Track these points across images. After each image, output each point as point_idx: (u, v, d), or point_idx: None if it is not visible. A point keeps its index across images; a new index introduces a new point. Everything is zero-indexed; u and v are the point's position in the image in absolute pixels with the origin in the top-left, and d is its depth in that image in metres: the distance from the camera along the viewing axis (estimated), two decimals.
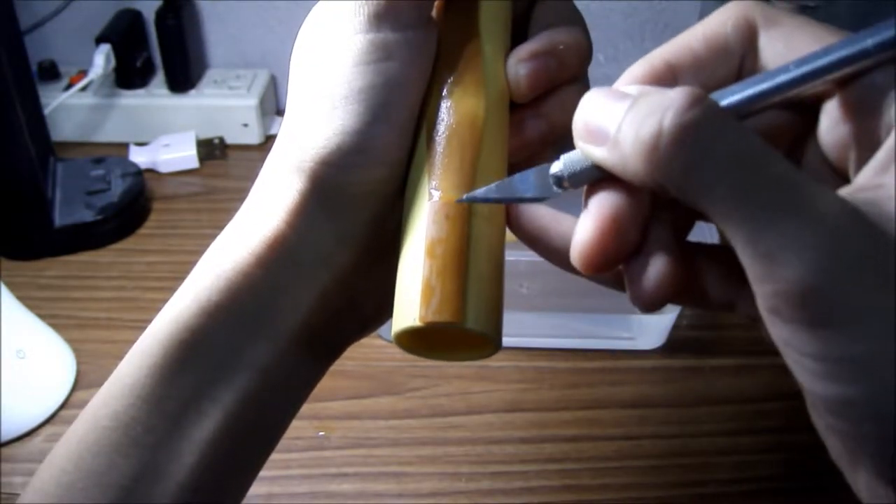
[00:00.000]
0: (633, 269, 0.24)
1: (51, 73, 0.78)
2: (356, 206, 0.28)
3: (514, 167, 0.30)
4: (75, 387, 0.54)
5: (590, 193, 0.24)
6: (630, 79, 0.25)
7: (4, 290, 0.53)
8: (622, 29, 0.84)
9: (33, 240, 0.65)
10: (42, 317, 0.56)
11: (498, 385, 0.55)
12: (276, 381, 0.29)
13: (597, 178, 0.24)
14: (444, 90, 0.29)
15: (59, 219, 0.66)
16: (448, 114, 0.29)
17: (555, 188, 0.25)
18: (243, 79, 0.81)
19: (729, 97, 0.23)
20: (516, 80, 0.29)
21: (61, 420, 0.52)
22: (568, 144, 0.33)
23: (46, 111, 0.70)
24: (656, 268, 0.24)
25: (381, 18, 0.28)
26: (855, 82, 0.23)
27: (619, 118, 0.22)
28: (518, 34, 0.31)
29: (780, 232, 0.19)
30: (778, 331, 0.21)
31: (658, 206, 0.25)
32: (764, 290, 0.20)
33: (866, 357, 0.19)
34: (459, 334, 0.26)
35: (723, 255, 0.24)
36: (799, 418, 0.22)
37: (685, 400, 0.54)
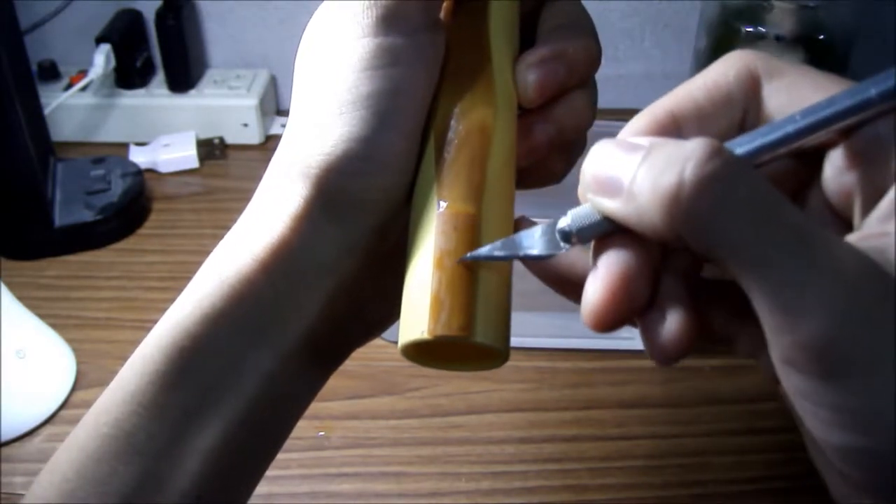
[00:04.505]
0: (648, 324, 0.24)
1: (51, 73, 0.78)
2: (362, 213, 0.28)
3: (521, 172, 0.30)
4: (75, 387, 0.54)
5: (598, 250, 0.24)
6: (634, 130, 0.25)
7: (4, 290, 0.53)
8: (622, 29, 0.84)
9: (33, 240, 0.65)
10: (42, 317, 0.56)
11: (498, 385, 0.55)
12: (280, 388, 0.29)
13: (606, 231, 0.23)
14: (453, 96, 0.28)
15: (59, 219, 0.66)
16: (457, 121, 0.28)
17: (562, 244, 0.24)
18: (243, 79, 0.81)
19: (737, 149, 0.23)
20: (525, 86, 0.29)
21: (61, 420, 0.52)
22: (576, 150, 0.32)
23: (46, 111, 0.70)
24: (673, 324, 0.23)
25: (389, 22, 0.27)
26: (859, 131, 0.23)
27: (632, 169, 0.22)
28: (525, 36, 0.31)
29: (800, 285, 0.19)
30: (793, 381, 0.20)
31: (668, 254, 0.24)
32: (781, 342, 0.20)
33: (884, 407, 0.19)
34: (467, 346, 0.26)
35: (725, 290, 0.24)
36: None
37: (685, 400, 0.54)
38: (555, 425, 0.52)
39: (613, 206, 0.22)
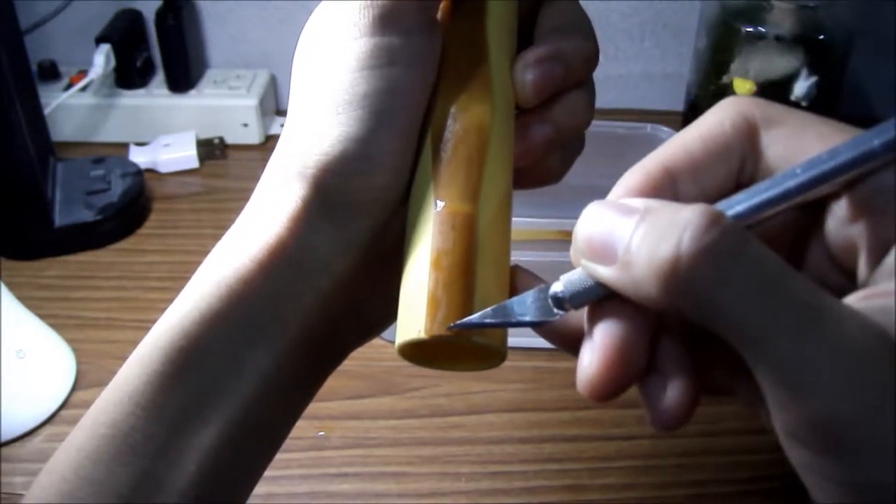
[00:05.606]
0: (649, 391, 0.23)
1: (51, 73, 0.78)
2: (359, 213, 0.28)
3: (518, 172, 0.30)
4: (75, 387, 0.54)
5: (593, 317, 0.23)
6: (627, 187, 0.24)
7: (4, 290, 0.53)
8: (622, 29, 0.84)
9: (33, 240, 0.65)
10: (42, 317, 0.56)
11: (498, 385, 0.55)
12: (277, 388, 0.29)
13: (601, 296, 0.23)
14: (450, 96, 0.28)
15: (59, 219, 0.66)
16: (454, 121, 0.28)
17: (555, 310, 0.24)
18: (243, 79, 0.81)
19: (736, 206, 0.22)
20: (522, 86, 0.29)
21: (61, 420, 0.52)
22: (573, 150, 0.32)
23: (46, 111, 0.70)
24: (675, 391, 0.23)
25: (386, 22, 0.27)
26: (862, 182, 0.22)
27: (627, 236, 0.21)
28: (523, 36, 0.31)
29: (806, 360, 0.19)
30: (798, 454, 0.20)
31: (665, 317, 0.23)
32: (785, 416, 0.19)
33: (892, 483, 0.19)
34: (465, 346, 0.26)
35: (723, 344, 0.23)
36: None
37: None
38: (555, 425, 0.52)
39: (607, 273, 0.22)
